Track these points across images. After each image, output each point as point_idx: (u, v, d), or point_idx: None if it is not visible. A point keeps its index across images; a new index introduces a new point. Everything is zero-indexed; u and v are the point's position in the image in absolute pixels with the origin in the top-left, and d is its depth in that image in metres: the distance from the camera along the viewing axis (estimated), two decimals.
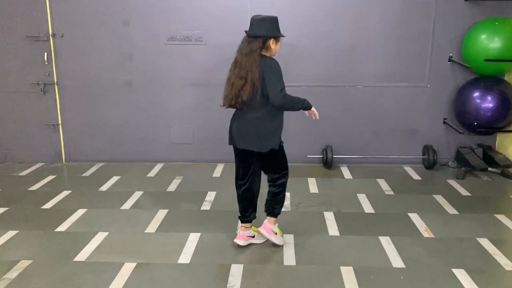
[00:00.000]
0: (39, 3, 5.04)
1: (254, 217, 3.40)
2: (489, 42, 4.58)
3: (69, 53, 5.18)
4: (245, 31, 3.12)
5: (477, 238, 3.46)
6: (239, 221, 3.41)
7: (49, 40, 5.13)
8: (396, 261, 3.15)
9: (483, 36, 4.62)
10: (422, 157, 5.24)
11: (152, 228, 3.68)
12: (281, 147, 3.27)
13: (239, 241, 3.33)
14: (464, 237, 3.50)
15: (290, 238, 3.46)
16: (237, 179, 3.35)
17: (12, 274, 2.99)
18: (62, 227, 3.70)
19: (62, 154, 5.46)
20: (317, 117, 3.24)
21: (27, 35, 5.10)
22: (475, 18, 4.89)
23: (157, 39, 5.11)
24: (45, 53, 5.14)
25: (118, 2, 5.05)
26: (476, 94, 4.77)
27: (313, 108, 3.24)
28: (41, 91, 5.26)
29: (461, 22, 4.93)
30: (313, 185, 4.65)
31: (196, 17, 5.06)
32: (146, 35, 5.12)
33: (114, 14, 5.08)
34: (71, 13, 5.08)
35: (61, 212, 3.99)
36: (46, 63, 5.17)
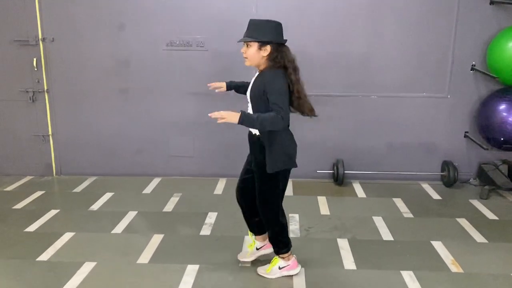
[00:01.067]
0: (28, 4, 4.68)
1: None
2: None
3: (60, 59, 4.82)
4: (283, 39, 2.82)
5: None
6: (288, 253, 3.04)
7: (38, 44, 4.76)
8: None
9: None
10: (441, 173, 4.84)
11: (145, 257, 3.29)
12: None
13: (296, 270, 3.06)
14: (498, 273, 3.08)
15: (301, 272, 3.06)
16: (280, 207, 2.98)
17: None
18: (45, 256, 3.31)
19: (52, 167, 5.09)
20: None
21: (14, 39, 4.74)
22: (501, 23, 4.50)
23: (155, 44, 4.75)
24: (34, 59, 4.78)
25: (114, 4, 4.69)
26: (503, 106, 4.38)
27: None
28: (30, 99, 4.89)
29: (486, 28, 4.54)
30: (323, 206, 4.25)
31: (198, 21, 4.68)
32: (143, 40, 4.75)
33: (109, 17, 4.71)
34: (62, 16, 4.72)
35: (46, 237, 3.60)
36: (36, 69, 4.81)
